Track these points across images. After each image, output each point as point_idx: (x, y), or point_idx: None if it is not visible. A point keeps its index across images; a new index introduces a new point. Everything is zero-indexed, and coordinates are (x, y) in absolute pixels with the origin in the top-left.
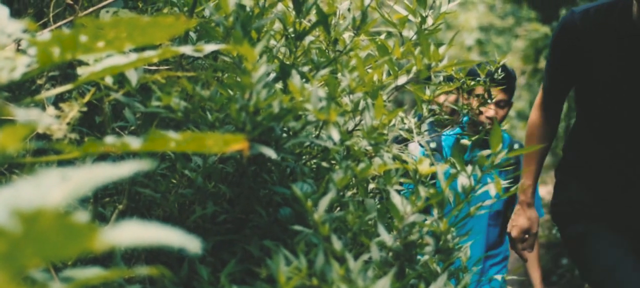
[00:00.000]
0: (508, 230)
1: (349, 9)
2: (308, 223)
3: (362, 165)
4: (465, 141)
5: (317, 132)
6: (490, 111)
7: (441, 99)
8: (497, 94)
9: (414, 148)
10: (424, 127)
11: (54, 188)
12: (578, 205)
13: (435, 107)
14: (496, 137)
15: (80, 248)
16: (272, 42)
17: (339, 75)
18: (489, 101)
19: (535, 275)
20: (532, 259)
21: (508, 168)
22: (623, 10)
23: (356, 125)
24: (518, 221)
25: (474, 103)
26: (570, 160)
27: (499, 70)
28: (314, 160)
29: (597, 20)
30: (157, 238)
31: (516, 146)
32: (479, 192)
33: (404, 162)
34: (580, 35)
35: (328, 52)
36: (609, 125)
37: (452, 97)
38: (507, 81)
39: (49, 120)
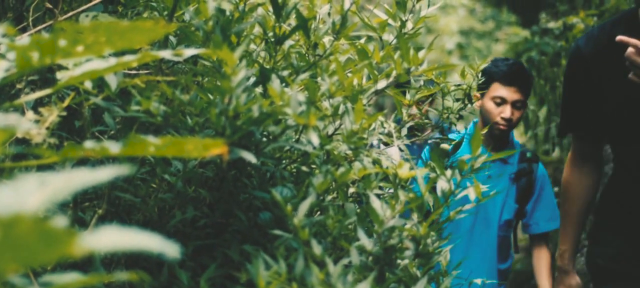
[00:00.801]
0: None
1: (329, 13)
2: (288, 228)
3: (342, 170)
4: (445, 145)
5: (297, 137)
6: (506, 112)
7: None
8: (514, 94)
9: (394, 152)
10: (404, 130)
11: (33, 193)
12: (617, 263)
13: (415, 111)
14: (476, 141)
15: (58, 253)
16: (252, 46)
17: (319, 79)
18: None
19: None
20: (544, 269)
21: (520, 176)
22: (629, 22)
23: (336, 130)
24: None
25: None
26: (607, 208)
27: (479, 75)
28: (294, 165)
29: (602, 40)
30: (136, 244)
31: (529, 153)
32: (492, 194)
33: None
34: (589, 61)
35: (308, 56)
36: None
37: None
38: (524, 81)
39: (28, 125)
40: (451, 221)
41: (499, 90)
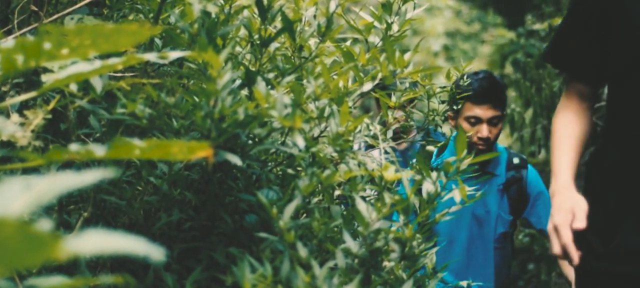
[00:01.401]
0: (550, 230)
1: (314, 16)
2: (273, 231)
3: (327, 172)
4: (430, 147)
5: (283, 139)
6: (483, 131)
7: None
8: (488, 112)
9: (378, 154)
10: (390, 133)
11: (17, 196)
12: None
13: (400, 113)
14: (461, 143)
15: (43, 257)
16: (238, 48)
17: (305, 81)
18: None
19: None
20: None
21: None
22: None
23: (322, 132)
24: (561, 210)
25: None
26: (608, 162)
27: (465, 77)
28: (280, 167)
29: None
30: (121, 247)
31: (516, 159)
32: (477, 196)
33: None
34: None
35: (293, 59)
36: None
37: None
38: (496, 96)
39: (13, 128)
40: (444, 240)
41: (472, 109)
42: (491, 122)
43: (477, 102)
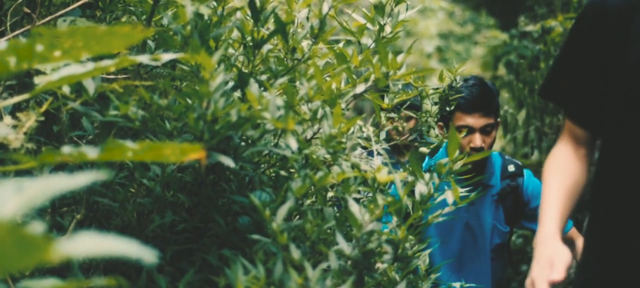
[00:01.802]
0: (526, 285)
1: (307, 18)
2: (266, 232)
3: (320, 174)
4: (423, 149)
5: (276, 141)
6: (476, 140)
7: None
8: (480, 121)
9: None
10: (383, 134)
11: (10, 198)
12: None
13: (393, 115)
14: (453, 144)
15: (36, 259)
16: (230, 50)
17: (297, 83)
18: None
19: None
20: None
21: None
22: None
23: (314, 134)
24: (539, 262)
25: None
26: (594, 226)
27: (458, 79)
28: (273, 169)
29: None
30: (114, 249)
31: (511, 167)
32: (471, 196)
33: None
34: (616, 13)
35: (286, 61)
36: None
37: (412, 123)
38: (488, 103)
39: (6, 130)
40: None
41: (463, 119)
42: (484, 130)
43: (468, 111)
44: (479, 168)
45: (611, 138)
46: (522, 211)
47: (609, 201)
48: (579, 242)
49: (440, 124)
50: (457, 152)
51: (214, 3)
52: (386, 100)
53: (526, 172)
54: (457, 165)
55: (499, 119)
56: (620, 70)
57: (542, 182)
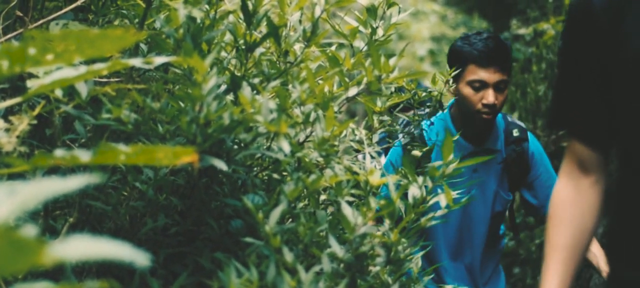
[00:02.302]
0: None
1: (299, 21)
2: (259, 235)
3: (313, 177)
4: (416, 152)
5: (268, 144)
6: (489, 96)
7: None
8: (494, 76)
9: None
10: (376, 137)
11: (3, 202)
12: None
13: (386, 118)
14: (448, 147)
15: (29, 262)
16: (223, 53)
17: (290, 86)
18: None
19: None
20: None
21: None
22: None
23: (307, 137)
24: None
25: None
26: (620, 229)
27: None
28: (265, 172)
29: None
30: (107, 252)
31: (516, 131)
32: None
33: (355, 173)
34: (602, 15)
35: (279, 64)
36: None
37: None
38: (504, 58)
39: None
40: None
41: (476, 72)
42: (497, 87)
43: (483, 65)
44: (485, 132)
45: (626, 143)
46: (524, 178)
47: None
48: (594, 247)
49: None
50: (452, 155)
51: (207, 6)
52: (379, 103)
53: (529, 135)
54: (451, 168)
55: (510, 79)
56: (619, 69)
57: (546, 232)
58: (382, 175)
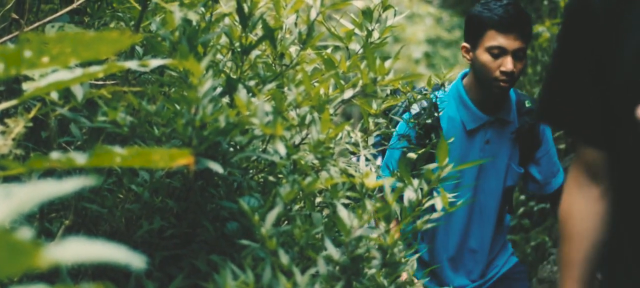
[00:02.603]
0: None
1: (295, 23)
2: (255, 238)
3: (309, 179)
4: (412, 155)
5: (264, 146)
6: (508, 64)
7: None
8: (514, 42)
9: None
10: (371, 140)
11: None
12: None
13: (381, 120)
14: (443, 151)
15: (24, 265)
16: (219, 56)
17: (286, 89)
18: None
19: None
20: None
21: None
22: None
23: (303, 139)
24: None
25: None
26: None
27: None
28: (261, 175)
29: None
30: (102, 255)
31: (528, 102)
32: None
33: (351, 175)
34: (604, 9)
35: (274, 66)
36: None
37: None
38: (525, 25)
39: None
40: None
41: (495, 38)
42: (516, 55)
43: (503, 31)
44: (500, 102)
45: (622, 146)
46: (533, 153)
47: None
48: None
49: (466, 45)
50: (447, 160)
51: (202, 9)
52: (374, 105)
53: None
54: (445, 171)
55: (527, 50)
56: (616, 68)
57: (559, 245)
58: (382, 171)
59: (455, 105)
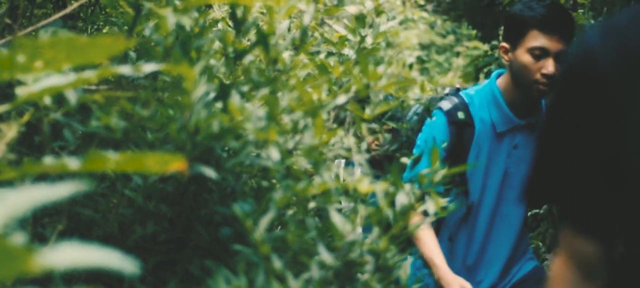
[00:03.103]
0: None
1: (288, 29)
2: (248, 243)
3: (302, 184)
4: (405, 160)
5: (257, 152)
6: (549, 66)
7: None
8: (556, 44)
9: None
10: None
11: None
12: None
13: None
14: (435, 156)
15: (17, 270)
16: (212, 61)
17: (279, 94)
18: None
19: None
20: None
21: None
22: None
23: (296, 145)
24: None
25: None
26: None
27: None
28: (254, 180)
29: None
30: (96, 260)
31: None
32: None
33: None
34: (615, 82)
35: (268, 72)
36: None
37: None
38: (568, 27)
39: None
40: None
41: (537, 39)
42: (558, 57)
43: (546, 31)
44: (536, 105)
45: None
46: None
47: None
48: None
49: (505, 45)
50: (438, 165)
51: (196, 14)
52: (367, 111)
53: None
54: (438, 176)
55: None
56: (629, 146)
57: None
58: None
59: (487, 106)
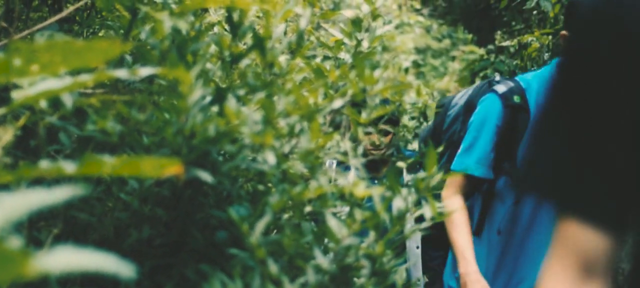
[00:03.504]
0: None
1: (285, 33)
2: (244, 247)
3: (298, 188)
4: (400, 163)
5: (254, 156)
6: None
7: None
8: None
9: (329, 165)
10: (358, 150)
11: None
12: None
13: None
14: (431, 160)
15: (13, 274)
16: (208, 65)
17: (275, 98)
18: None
19: None
20: None
21: None
22: None
23: (292, 149)
24: None
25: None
26: None
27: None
28: (250, 184)
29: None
30: (91, 264)
31: None
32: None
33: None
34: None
35: (264, 76)
36: None
37: (388, 138)
38: None
39: None
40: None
41: None
42: None
43: None
44: None
45: None
46: None
47: None
48: None
49: (565, 33)
50: (435, 168)
51: (192, 18)
52: (363, 115)
53: None
54: (434, 181)
55: None
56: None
57: None
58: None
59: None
